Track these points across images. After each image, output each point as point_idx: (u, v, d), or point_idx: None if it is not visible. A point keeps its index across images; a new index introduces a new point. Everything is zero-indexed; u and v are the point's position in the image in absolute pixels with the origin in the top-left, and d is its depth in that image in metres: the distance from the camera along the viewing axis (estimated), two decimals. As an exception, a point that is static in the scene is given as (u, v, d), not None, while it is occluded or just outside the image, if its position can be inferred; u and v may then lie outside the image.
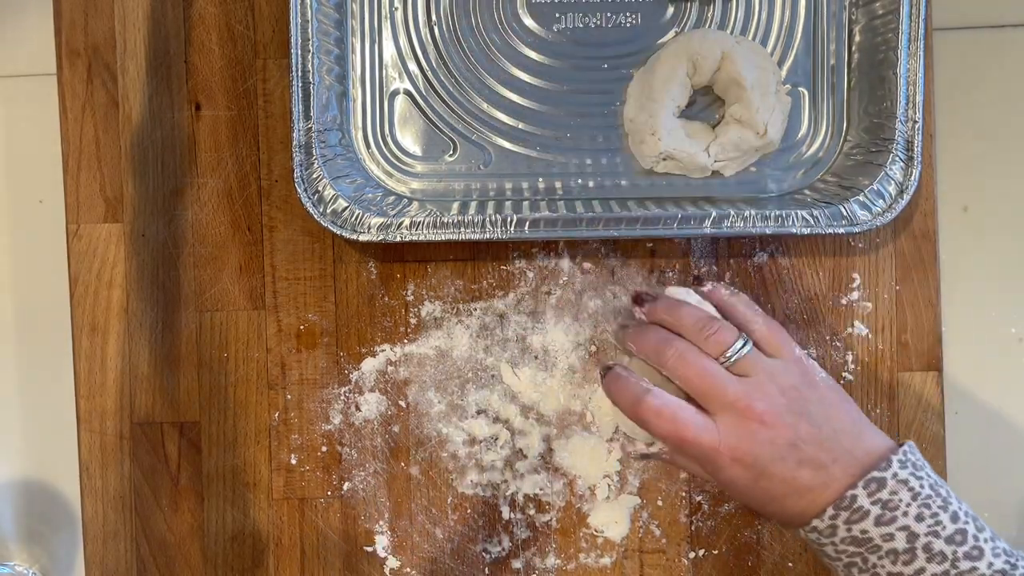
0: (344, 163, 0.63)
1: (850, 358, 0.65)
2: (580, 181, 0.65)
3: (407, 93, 0.65)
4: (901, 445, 0.55)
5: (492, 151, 0.65)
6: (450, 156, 0.65)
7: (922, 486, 0.54)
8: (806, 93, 0.65)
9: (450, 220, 0.61)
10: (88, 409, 0.65)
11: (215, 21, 0.65)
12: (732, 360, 0.57)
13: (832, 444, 0.55)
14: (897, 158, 0.62)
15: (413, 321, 0.65)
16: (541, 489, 0.65)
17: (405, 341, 0.65)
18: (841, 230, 0.61)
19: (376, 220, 0.61)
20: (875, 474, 0.53)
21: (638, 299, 0.61)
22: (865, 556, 0.53)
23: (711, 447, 0.56)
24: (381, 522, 0.65)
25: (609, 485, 0.65)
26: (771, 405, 0.56)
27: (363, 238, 0.61)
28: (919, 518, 0.53)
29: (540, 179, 0.65)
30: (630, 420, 0.58)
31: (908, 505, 0.53)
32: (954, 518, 0.53)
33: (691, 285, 0.61)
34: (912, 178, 0.62)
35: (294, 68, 0.61)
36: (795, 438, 0.55)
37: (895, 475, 0.53)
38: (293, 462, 0.65)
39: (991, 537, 0.53)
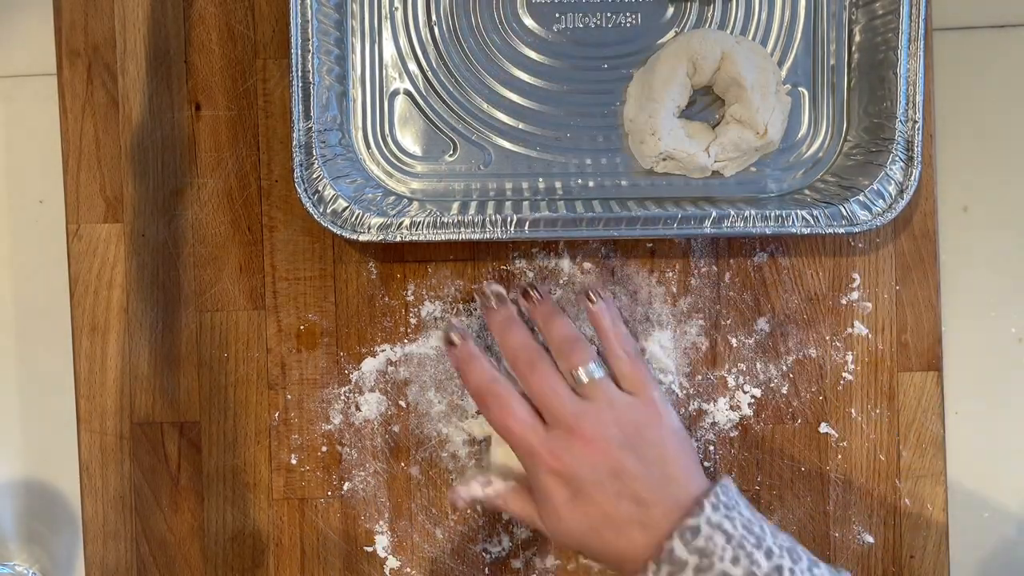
0: (344, 163, 0.63)
1: (850, 358, 0.65)
2: (580, 181, 0.65)
3: (407, 93, 0.65)
4: (714, 485, 0.55)
5: (492, 151, 0.65)
6: (450, 156, 0.65)
7: (735, 527, 0.53)
8: (806, 93, 0.65)
9: (450, 220, 0.61)
10: (88, 409, 0.65)
11: (215, 21, 0.65)
12: (579, 381, 0.58)
13: (658, 487, 0.55)
14: (897, 158, 0.62)
15: (413, 321, 0.65)
16: (541, 489, 0.65)
17: (405, 341, 0.65)
18: (841, 230, 0.61)
19: (376, 220, 0.61)
20: (689, 521, 0.53)
21: (526, 293, 0.62)
22: None
23: (533, 446, 0.57)
24: (381, 522, 0.65)
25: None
26: (602, 431, 0.56)
27: (363, 238, 0.61)
28: (735, 561, 0.52)
29: (540, 179, 0.65)
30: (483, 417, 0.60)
31: (723, 549, 0.52)
32: (768, 554, 0.52)
33: (584, 294, 0.62)
34: (912, 178, 0.62)
35: (294, 68, 0.61)
36: (619, 469, 0.55)
37: (708, 519, 0.53)
38: (293, 462, 0.65)
39: (807, 567, 0.52)
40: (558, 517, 0.56)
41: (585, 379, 0.58)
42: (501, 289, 0.63)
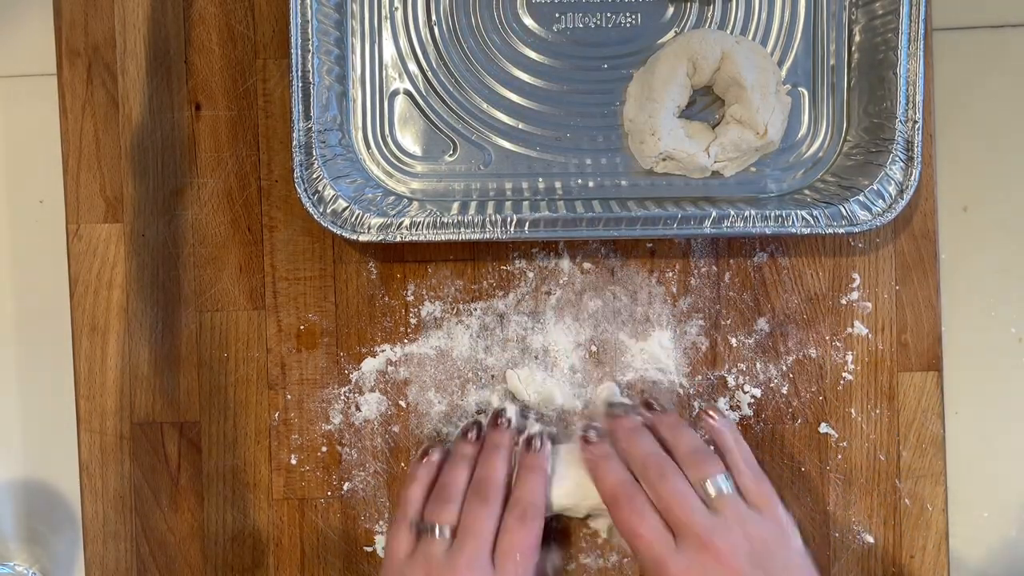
0: (344, 163, 0.63)
1: (850, 358, 0.65)
2: (580, 181, 0.65)
3: (407, 93, 0.65)
4: None
5: (492, 151, 0.65)
6: (450, 156, 0.65)
7: None
8: (806, 93, 0.65)
9: (450, 220, 0.61)
10: (88, 409, 0.65)
11: (215, 21, 0.65)
12: (710, 492, 0.57)
13: None
14: (897, 158, 0.62)
15: (413, 321, 0.65)
16: (541, 489, 0.65)
17: (405, 341, 0.65)
18: (841, 230, 0.61)
19: (376, 220, 0.61)
20: None
21: (648, 404, 0.62)
22: None
23: (663, 556, 0.56)
24: (381, 522, 0.65)
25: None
26: (733, 547, 0.55)
27: (363, 238, 0.61)
28: None
29: (540, 179, 0.65)
30: (597, 494, 0.59)
31: None
32: None
33: (704, 412, 0.62)
34: (912, 178, 0.62)
35: (294, 68, 0.61)
36: None
37: None
38: (293, 462, 0.65)
39: None
40: None
41: (714, 492, 0.57)
42: (626, 400, 0.63)
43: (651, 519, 0.57)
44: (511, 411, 0.63)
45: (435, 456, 0.62)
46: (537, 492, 0.60)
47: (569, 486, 0.61)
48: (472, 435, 0.62)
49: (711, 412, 0.61)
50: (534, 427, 0.62)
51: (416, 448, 0.65)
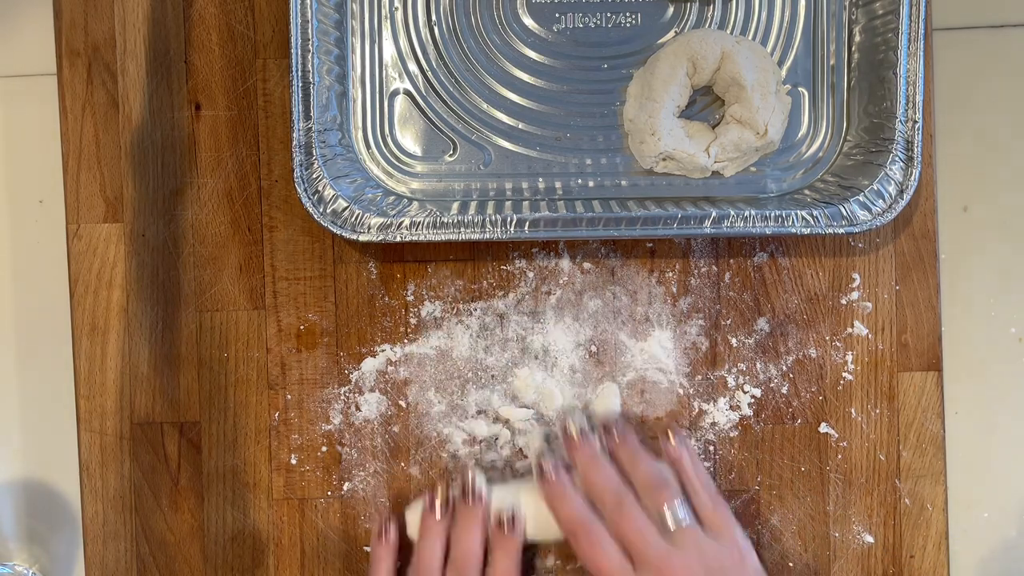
0: (344, 163, 0.63)
1: (850, 358, 0.65)
2: (580, 181, 0.65)
3: (407, 93, 0.65)
4: None
5: (492, 151, 0.65)
6: (450, 156, 0.65)
7: None
8: (806, 93, 0.65)
9: (450, 220, 0.61)
10: (88, 409, 0.65)
11: (215, 21, 0.65)
12: (667, 521, 0.58)
13: None
14: (897, 158, 0.62)
15: (413, 321, 0.65)
16: (541, 489, 0.65)
17: (405, 341, 0.65)
18: (841, 230, 0.61)
19: (376, 220, 0.61)
20: None
21: (607, 428, 0.62)
22: None
23: None
24: (381, 522, 0.65)
25: (609, 485, 0.65)
26: (689, 573, 0.57)
27: (363, 238, 0.61)
28: None
29: (540, 179, 0.65)
30: (552, 527, 0.60)
31: None
32: None
33: (663, 435, 0.62)
34: (912, 178, 0.62)
35: (294, 68, 0.61)
36: None
37: None
38: (293, 462, 0.65)
39: None
40: None
41: (671, 521, 0.58)
42: (585, 424, 0.63)
43: (610, 549, 0.58)
44: (480, 482, 0.62)
45: (393, 535, 0.62)
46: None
47: (537, 521, 0.62)
48: (439, 508, 0.62)
49: (670, 435, 0.62)
50: (504, 503, 0.61)
51: (417, 446, 0.65)
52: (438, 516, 0.61)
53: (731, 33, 0.65)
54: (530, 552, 0.65)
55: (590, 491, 0.61)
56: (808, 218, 0.61)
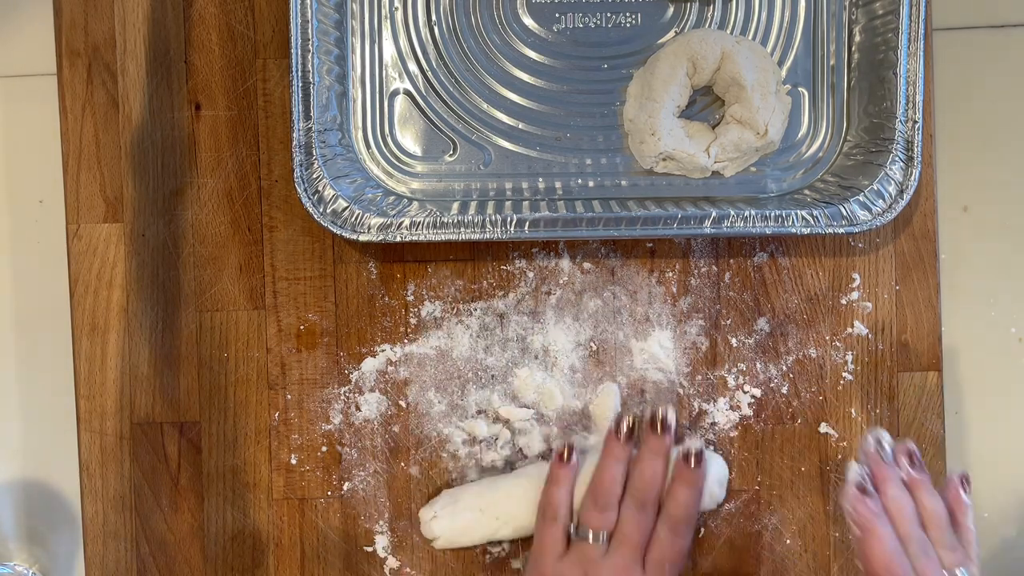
0: (344, 163, 0.63)
1: (850, 358, 0.65)
2: (580, 181, 0.65)
3: (407, 93, 0.65)
4: None
5: (492, 151, 0.65)
6: (450, 156, 0.65)
7: None
8: (806, 93, 0.65)
9: (450, 220, 0.61)
10: (88, 409, 0.65)
11: (215, 21, 0.65)
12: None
13: None
14: (897, 158, 0.62)
15: (413, 321, 0.65)
16: (541, 489, 0.65)
17: (405, 341, 0.65)
18: (841, 230, 0.61)
19: (376, 220, 0.61)
20: None
21: (910, 456, 0.59)
22: None
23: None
24: (381, 522, 0.65)
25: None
26: None
27: (363, 238, 0.61)
28: None
29: (540, 179, 0.65)
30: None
31: None
32: None
33: (960, 480, 0.59)
34: (912, 178, 0.62)
35: (294, 68, 0.61)
36: None
37: None
38: (293, 462, 0.65)
39: None
40: None
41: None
42: (887, 436, 0.59)
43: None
44: (671, 417, 0.61)
45: (575, 459, 0.62)
46: (691, 507, 0.60)
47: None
48: (624, 435, 0.61)
49: (964, 483, 0.58)
50: (696, 442, 0.61)
51: (417, 446, 0.65)
52: (622, 441, 0.61)
53: (731, 33, 0.65)
54: (530, 551, 0.65)
55: (897, 525, 0.57)
56: (808, 218, 0.61)
